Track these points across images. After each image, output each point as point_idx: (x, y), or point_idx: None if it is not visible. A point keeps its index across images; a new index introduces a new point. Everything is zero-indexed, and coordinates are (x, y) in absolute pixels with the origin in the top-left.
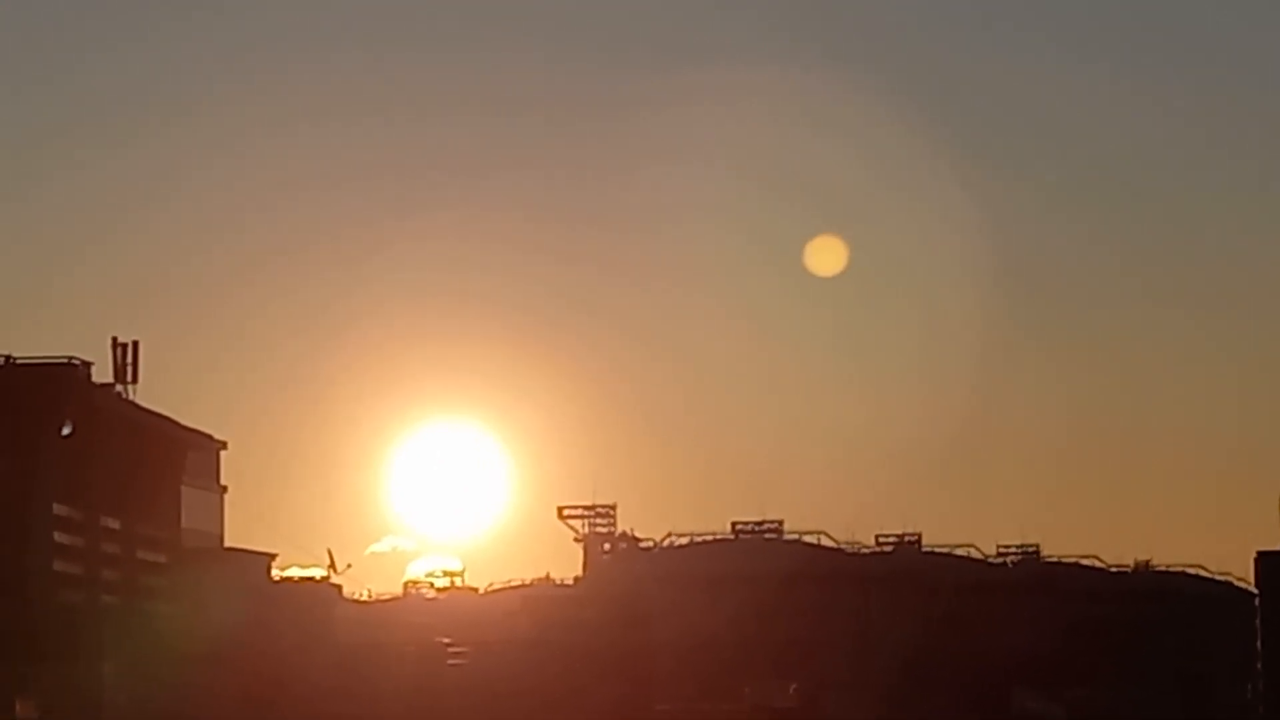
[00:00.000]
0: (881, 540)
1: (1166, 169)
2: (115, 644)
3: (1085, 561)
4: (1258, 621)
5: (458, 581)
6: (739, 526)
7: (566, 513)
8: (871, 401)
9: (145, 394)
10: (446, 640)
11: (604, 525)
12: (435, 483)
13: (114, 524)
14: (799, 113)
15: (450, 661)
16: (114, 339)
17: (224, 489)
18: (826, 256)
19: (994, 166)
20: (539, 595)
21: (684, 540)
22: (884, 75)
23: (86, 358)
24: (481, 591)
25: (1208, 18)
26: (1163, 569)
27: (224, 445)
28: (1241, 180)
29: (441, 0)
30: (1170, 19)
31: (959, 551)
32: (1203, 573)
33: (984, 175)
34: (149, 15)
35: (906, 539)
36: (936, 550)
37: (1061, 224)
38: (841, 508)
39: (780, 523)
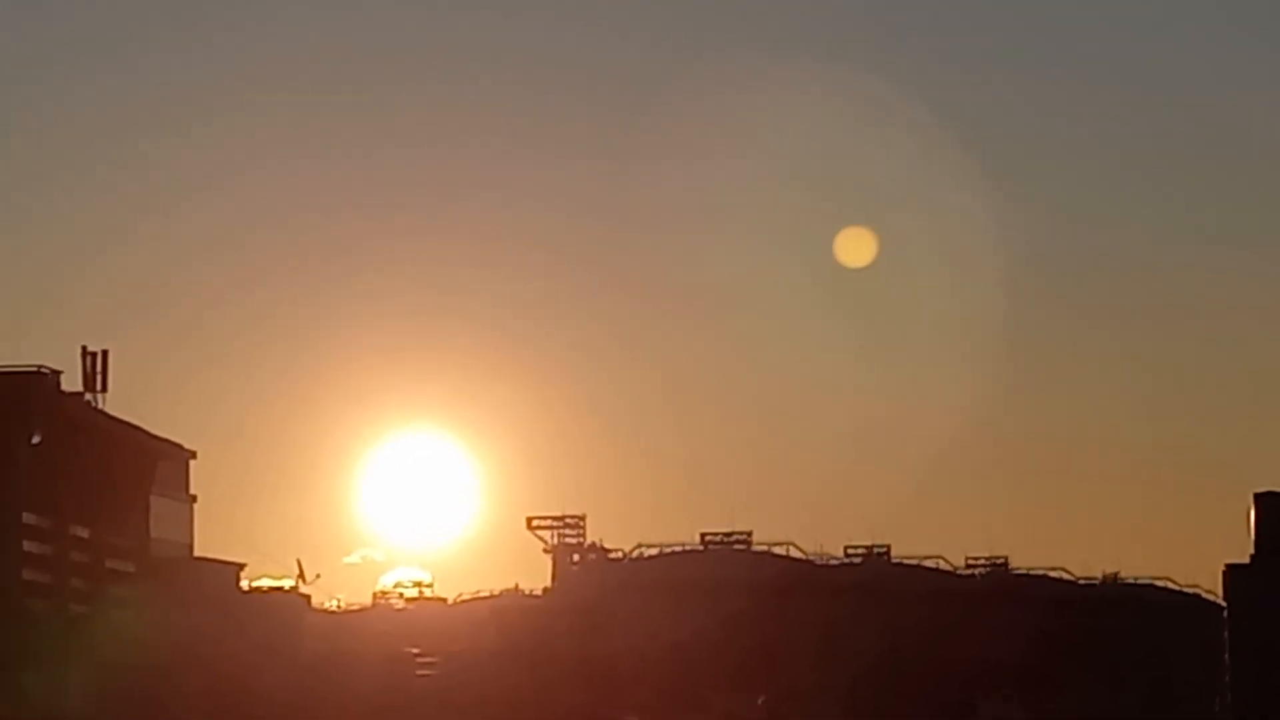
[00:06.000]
0: (850, 552)
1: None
2: (83, 652)
3: (1053, 573)
4: (1225, 634)
5: (427, 592)
6: (708, 537)
7: (535, 523)
8: (842, 415)
9: (115, 403)
10: (415, 650)
11: (573, 536)
12: (405, 494)
13: (83, 533)
14: (781, 109)
15: (419, 671)
16: (84, 348)
17: (193, 499)
18: (798, 267)
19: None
20: (508, 606)
21: (653, 551)
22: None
23: (56, 366)
24: (450, 602)
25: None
26: (1131, 581)
27: (193, 455)
28: (1224, 192)
29: None
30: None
31: (927, 563)
32: (1171, 584)
33: (962, 194)
34: (117, 24)
35: (875, 550)
36: (905, 562)
37: (1043, 234)
38: (811, 519)
39: (749, 534)
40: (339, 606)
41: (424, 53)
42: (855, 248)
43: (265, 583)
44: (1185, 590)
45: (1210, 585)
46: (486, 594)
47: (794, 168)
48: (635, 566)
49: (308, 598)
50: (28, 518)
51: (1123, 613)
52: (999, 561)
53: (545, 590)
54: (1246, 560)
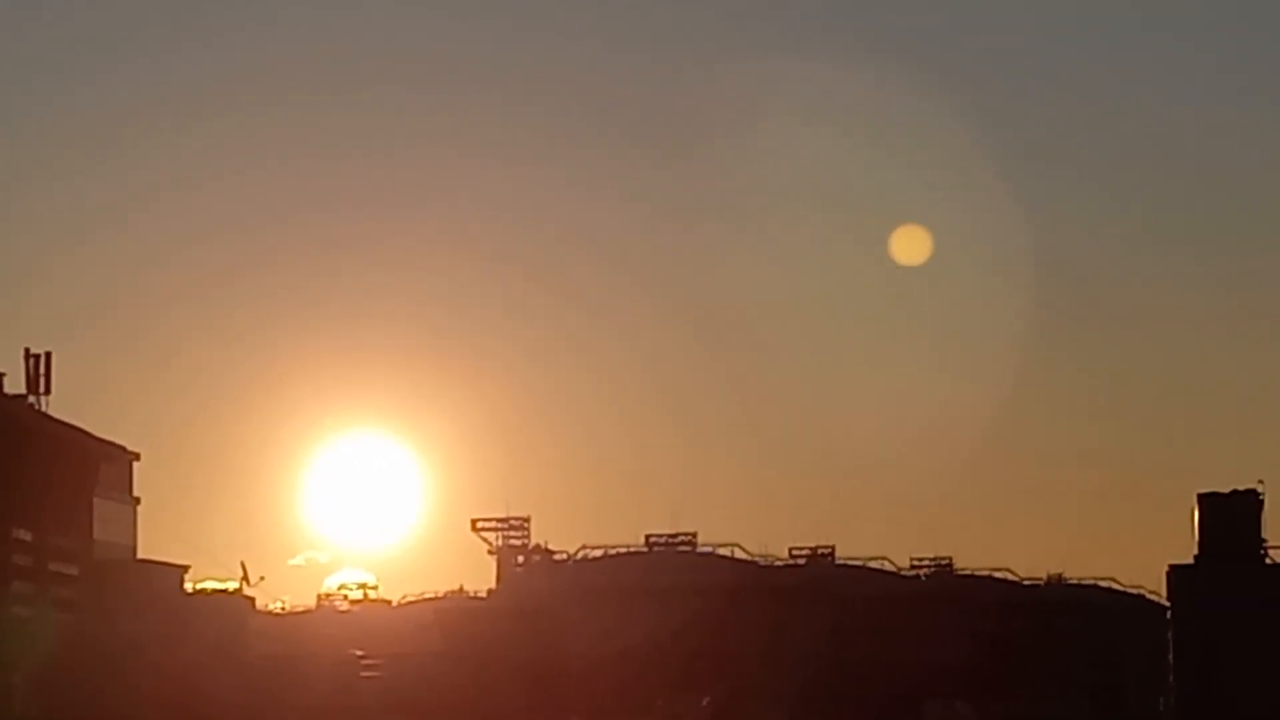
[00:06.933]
0: (795, 553)
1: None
2: (26, 656)
3: (998, 574)
4: (1170, 634)
5: (371, 594)
6: (652, 539)
7: (480, 525)
8: (784, 416)
9: (58, 405)
10: (359, 652)
11: (518, 538)
12: (349, 496)
13: (26, 536)
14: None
15: (363, 674)
16: (26, 350)
17: (136, 501)
18: (741, 270)
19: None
20: (452, 608)
21: (598, 553)
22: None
23: None
24: (395, 604)
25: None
26: (1075, 582)
27: (136, 457)
28: (1171, 197)
29: None
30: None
31: (872, 564)
32: (1116, 585)
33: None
34: (70, 31)
35: (820, 552)
36: (849, 563)
37: (990, 240)
38: (756, 520)
39: (694, 535)
40: (284, 609)
41: (363, 55)
42: (805, 251)
43: (209, 585)
44: (1130, 591)
45: (1155, 586)
46: (431, 596)
47: (761, 167)
48: (580, 568)
49: (252, 600)
50: None
51: (1068, 614)
52: (943, 562)
53: (490, 592)
54: (1190, 561)
